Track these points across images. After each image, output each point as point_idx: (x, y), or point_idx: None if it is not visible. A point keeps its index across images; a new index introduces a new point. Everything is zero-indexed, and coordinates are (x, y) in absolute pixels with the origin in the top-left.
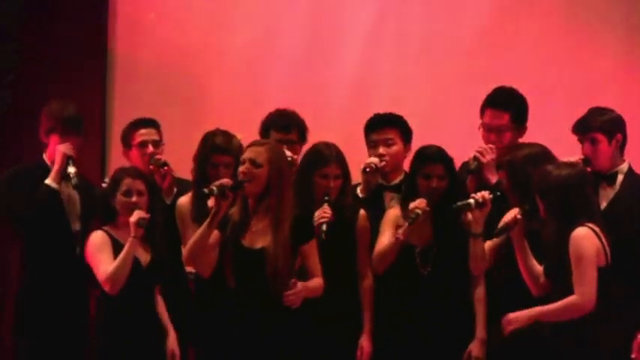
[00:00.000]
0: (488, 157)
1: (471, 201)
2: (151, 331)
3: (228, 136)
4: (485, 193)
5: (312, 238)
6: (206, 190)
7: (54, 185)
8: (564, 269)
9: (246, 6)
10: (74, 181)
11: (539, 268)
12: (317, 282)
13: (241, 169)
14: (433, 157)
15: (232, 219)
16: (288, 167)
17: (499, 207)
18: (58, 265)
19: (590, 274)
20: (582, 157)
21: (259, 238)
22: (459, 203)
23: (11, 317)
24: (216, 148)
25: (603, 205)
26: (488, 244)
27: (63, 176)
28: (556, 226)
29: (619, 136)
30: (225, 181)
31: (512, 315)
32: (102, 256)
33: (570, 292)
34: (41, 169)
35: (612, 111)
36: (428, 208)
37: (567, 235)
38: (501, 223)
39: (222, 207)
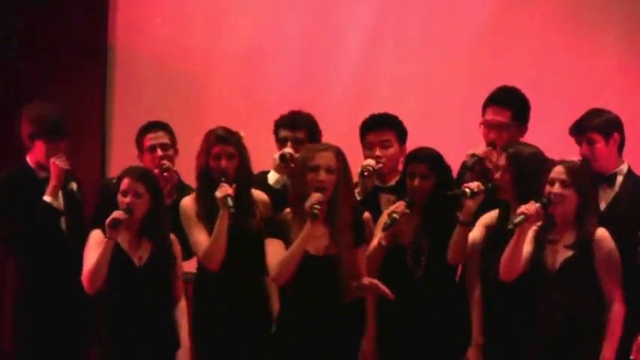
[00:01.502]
0: (494, 158)
1: (467, 190)
2: (145, 334)
3: (229, 129)
4: (479, 184)
5: (364, 241)
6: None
7: (55, 204)
8: (583, 266)
9: (246, 6)
10: (77, 197)
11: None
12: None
13: (320, 177)
14: (417, 156)
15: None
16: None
17: (488, 199)
18: (57, 273)
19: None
20: (580, 158)
21: (322, 245)
22: (455, 190)
23: (10, 321)
24: (217, 139)
25: (603, 206)
26: (469, 236)
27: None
28: (578, 223)
29: (616, 135)
30: (318, 196)
31: None
32: (89, 255)
33: (579, 285)
34: (28, 175)
35: (609, 112)
36: (407, 211)
37: (590, 234)
38: (520, 215)
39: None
